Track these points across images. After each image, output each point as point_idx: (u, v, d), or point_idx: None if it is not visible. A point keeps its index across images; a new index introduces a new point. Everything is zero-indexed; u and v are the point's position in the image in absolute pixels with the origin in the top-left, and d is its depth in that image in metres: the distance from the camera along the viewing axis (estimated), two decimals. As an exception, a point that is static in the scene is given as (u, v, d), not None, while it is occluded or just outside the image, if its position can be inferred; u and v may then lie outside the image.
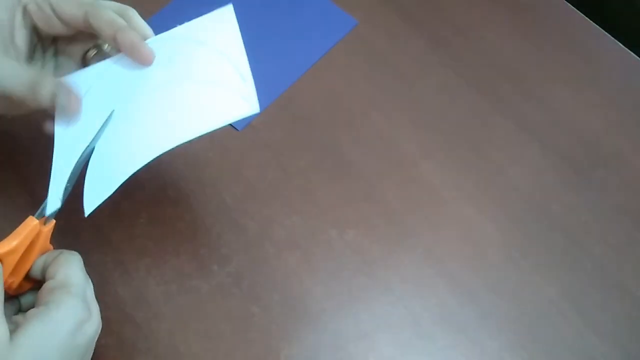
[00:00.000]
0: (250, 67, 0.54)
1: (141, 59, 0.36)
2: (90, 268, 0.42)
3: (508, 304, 0.44)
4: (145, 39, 0.37)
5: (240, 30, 0.56)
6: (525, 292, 0.45)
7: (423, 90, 0.54)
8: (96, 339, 0.35)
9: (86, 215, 0.35)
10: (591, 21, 0.60)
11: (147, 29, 0.38)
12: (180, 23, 0.55)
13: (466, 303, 0.44)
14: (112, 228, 0.45)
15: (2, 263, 0.33)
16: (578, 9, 0.60)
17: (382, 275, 0.45)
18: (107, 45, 0.40)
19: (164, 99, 0.37)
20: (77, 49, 0.40)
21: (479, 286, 0.45)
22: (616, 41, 0.58)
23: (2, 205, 0.46)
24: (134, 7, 0.56)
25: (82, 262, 0.36)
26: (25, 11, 0.37)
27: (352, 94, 0.54)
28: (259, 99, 0.55)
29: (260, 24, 0.56)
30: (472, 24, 0.59)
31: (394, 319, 0.43)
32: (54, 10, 0.36)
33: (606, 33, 0.59)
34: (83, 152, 0.37)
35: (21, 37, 0.37)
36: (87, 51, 0.41)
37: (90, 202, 0.36)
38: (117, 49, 0.36)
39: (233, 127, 0.51)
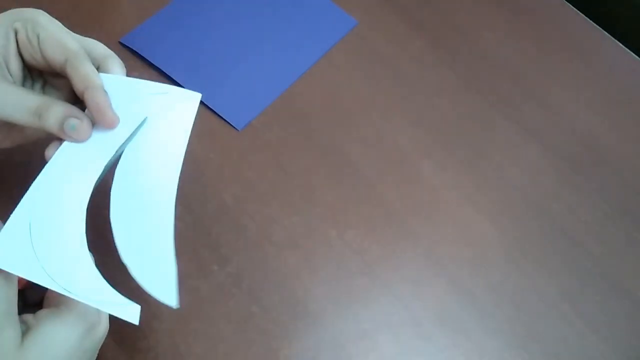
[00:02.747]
0: (251, 66, 0.55)
1: (104, 123, 0.35)
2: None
3: (508, 304, 0.44)
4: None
5: (241, 30, 0.56)
6: (525, 292, 0.45)
7: (423, 90, 0.54)
8: (102, 342, 0.35)
9: (176, 305, 0.33)
10: (591, 21, 0.60)
11: (98, 80, 0.36)
12: (178, 26, 0.55)
13: (466, 303, 0.44)
14: (112, 229, 0.45)
15: None
16: (578, 9, 0.60)
17: (382, 275, 0.45)
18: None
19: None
20: (66, 83, 0.38)
21: (479, 286, 0.45)
22: (616, 41, 0.59)
23: (2, 204, 0.46)
24: (133, 8, 0.57)
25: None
26: (16, 39, 0.36)
27: (352, 94, 0.54)
28: (258, 99, 0.56)
29: (260, 24, 0.56)
30: (472, 24, 0.59)
31: (394, 318, 0.43)
32: (39, 47, 0.35)
33: (606, 33, 0.59)
34: (113, 155, 0.36)
35: (15, 65, 0.36)
36: None
37: (166, 290, 0.33)
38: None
39: (233, 127, 0.51)
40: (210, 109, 0.51)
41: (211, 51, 0.54)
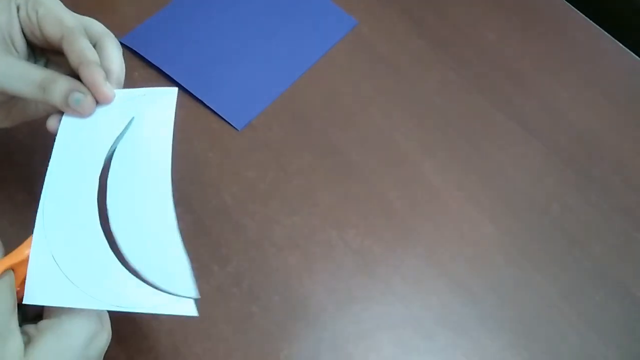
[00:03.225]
0: (251, 66, 0.55)
1: (99, 97, 0.35)
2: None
3: (508, 303, 0.44)
4: (112, 73, 0.36)
5: (241, 30, 0.56)
6: (526, 292, 0.45)
7: (423, 90, 0.54)
8: (105, 350, 0.34)
9: (196, 296, 0.32)
10: (591, 21, 0.60)
11: (115, 62, 0.37)
12: (178, 25, 0.55)
13: (467, 303, 0.44)
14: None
15: (14, 273, 0.32)
16: (578, 9, 0.60)
17: (383, 275, 0.45)
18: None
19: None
20: (67, 60, 0.39)
21: (480, 286, 0.45)
22: (616, 41, 0.59)
23: (1, 204, 0.46)
24: (133, 8, 0.57)
25: None
26: (17, 16, 0.37)
27: (352, 93, 0.54)
28: (258, 98, 0.56)
29: (260, 24, 0.56)
30: (473, 23, 0.59)
31: (395, 318, 0.43)
32: (38, 24, 0.36)
33: (606, 33, 0.59)
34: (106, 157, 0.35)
35: (20, 42, 0.37)
36: None
37: (184, 283, 0.33)
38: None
39: (233, 127, 0.51)
40: (210, 109, 0.51)
41: (211, 51, 0.54)
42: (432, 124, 0.52)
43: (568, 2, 0.61)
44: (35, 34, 0.36)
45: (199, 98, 0.51)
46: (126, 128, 0.37)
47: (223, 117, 0.51)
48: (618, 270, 0.46)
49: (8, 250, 0.33)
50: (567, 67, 0.57)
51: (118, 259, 0.33)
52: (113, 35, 0.39)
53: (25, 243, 0.34)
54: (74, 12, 0.38)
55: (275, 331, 0.42)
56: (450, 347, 0.43)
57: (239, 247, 0.45)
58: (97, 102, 0.36)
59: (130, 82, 0.51)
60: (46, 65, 0.40)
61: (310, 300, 0.44)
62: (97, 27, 0.38)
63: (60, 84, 0.34)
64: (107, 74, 0.36)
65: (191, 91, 0.51)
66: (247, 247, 0.45)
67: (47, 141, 0.37)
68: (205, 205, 0.47)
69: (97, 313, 0.33)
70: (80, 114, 0.35)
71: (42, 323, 0.32)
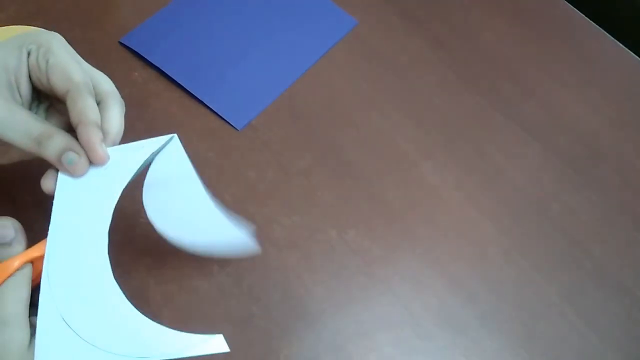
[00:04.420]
0: (251, 66, 0.55)
1: (94, 159, 0.35)
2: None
3: (508, 304, 0.44)
4: (109, 135, 0.36)
5: (241, 30, 0.56)
6: (525, 292, 0.45)
7: (423, 90, 0.54)
8: None
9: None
10: (591, 21, 0.60)
11: (114, 125, 0.37)
12: (178, 25, 0.55)
13: (466, 303, 0.44)
14: (112, 228, 0.45)
15: (32, 266, 0.33)
16: (578, 9, 0.60)
17: (382, 275, 0.45)
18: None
19: None
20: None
21: (479, 286, 0.45)
22: (616, 41, 0.59)
23: (3, 205, 0.46)
24: (133, 8, 0.57)
25: None
26: (27, 60, 0.36)
27: (352, 93, 0.54)
28: (258, 98, 0.56)
29: (260, 24, 0.56)
30: (472, 24, 0.59)
31: (394, 318, 0.43)
32: (47, 73, 0.36)
33: (606, 33, 0.59)
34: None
35: (25, 87, 0.37)
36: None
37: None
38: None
39: (233, 127, 0.51)
40: (210, 109, 0.51)
41: (211, 51, 0.54)
42: (431, 124, 0.52)
43: (568, 2, 0.61)
44: (42, 81, 0.36)
45: (199, 98, 0.51)
46: (135, 175, 0.37)
47: (223, 117, 0.51)
48: (618, 270, 0.46)
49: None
50: (567, 67, 0.57)
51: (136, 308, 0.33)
52: (119, 95, 0.38)
53: (44, 240, 0.34)
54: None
55: (275, 331, 0.42)
56: (450, 347, 0.43)
57: (239, 247, 0.45)
58: (91, 163, 0.35)
59: (129, 82, 0.52)
60: (48, 110, 0.40)
61: (310, 301, 0.44)
62: (105, 85, 0.38)
63: (56, 141, 0.34)
64: (105, 135, 0.36)
65: (191, 91, 0.51)
66: (247, 247, 0.45)
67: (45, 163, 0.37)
68: (205, 205, 0.47)
69: None
70: (72, 174, 0.35)
71: None
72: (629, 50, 0.58)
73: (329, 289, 0.44)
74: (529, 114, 0.53)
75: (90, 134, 0.34)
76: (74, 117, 0.35)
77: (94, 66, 0.41)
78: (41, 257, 0.33)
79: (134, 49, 0.53)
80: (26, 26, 0.54)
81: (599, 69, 0.57)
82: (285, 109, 0.52)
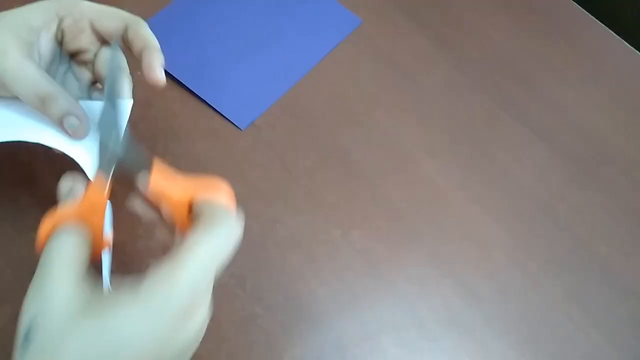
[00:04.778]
0: (254, 66, 0.54)
1: (152, 79, 0.37)
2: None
3: (513, 304, 0.44)
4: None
5: (244, 29, 0.56)
6: (531, 293, 0.45)
7: (428, 89, 0.54)
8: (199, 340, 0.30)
9: None
10: (597, 20, 0.59)
11: (155, 42, 0.39)
12: (180, 25, 0.55)
13: (471, 303, 0.44)
14: (114, 229, 0.45)
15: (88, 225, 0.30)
16: (584, 9, 0.60)
17: (387, 276, 0.45)
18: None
19: None
20: (86, 75, 0.42)
21: (485, 287, 0.45)
22: (623, 41, 0.58)
23: (4, 205, 0.45)
24: (134, 7, 0.56)
25: None
26: (59, 25, 0.38)
27: (356, 93, 0.53)
28: (262, 98, 0.55)
29: (264, 23, 0.56)
30: (478, 23, 0.58)
31: (399, 319, 0.43)
32: (92, 25, 0.38)
33: (612, 33, 0.59)
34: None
35: (47, 48, 0.38)
36: (95, 82, 0.42)
37: None
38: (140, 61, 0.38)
39: (236, 126, 0.50)
40: (213, 109, 0.51)
41: (214, 50, 0.54)
42: (436, 124, 0.52)
43: (575, 1, 0.60)
44: (80, 36, 0.38)
45: (202, 97, 0.51)
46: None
47: (226, 116, 0.51)
48: (624, 271, 0.46)
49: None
50: (573, 66, 0.56)
51: None
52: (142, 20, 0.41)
53: (90, 189, 0.31)
54: None
55: (279, 332, 0.42)
56: (455, 348, 0.42)
57: (243, 248, 0.45)
58: (151, 83, 0.38)
59: (132, 81, 0.51)
60: (65, 74, 0.42)
61: (314, 301, 0.43)
62: (125, 15, 0.40)
63: (60, 104, 0.36)
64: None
65: (194, 90, 0.51)
66: (251, 248, 0.45)
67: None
68: (208, 205, 0.47)
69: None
70: (71, 136, 0.37)
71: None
72: (636, 50, 0.58)
73: (333, 290, 0.44)
74: (535, 114, 0.53)
75: (155, 58, 0.37)
76: (139, 44, 0.37)
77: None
78: (96, 210, 0.30)
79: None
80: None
81: (606, 68, 0.56)
82: (289, 108, 0.52)
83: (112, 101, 0.34)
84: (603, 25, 0.59)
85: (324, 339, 0.42)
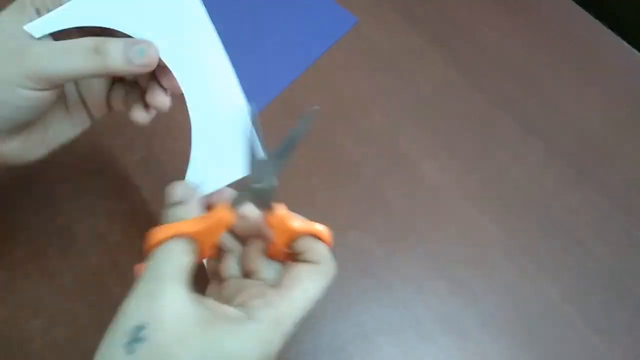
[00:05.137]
0: (250, 64, 0.54)
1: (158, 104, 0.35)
2: (88, 270, 0.41)
3: (509, 304, 0.44)
4: None
5: (240, 28, 0.56)
6: (527, 293, 0.45)
7: (424, 88, 0.54)
8: None
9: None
10: (595, 19, 0.59)
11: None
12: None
13: (467, 304, 0.44)
14: (110, 229, 0.45)
15: (196, 241, 0.30)
16: (581, 7, 0.60)
17: (383, 276, 0.45)
18: None
19: None
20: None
21: (481, 287, 0.45)
22: (620, 39, 0.58)
23: (3, 208, 0.45)
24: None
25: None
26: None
27: (352, 91, 0.53)
28: (257, 97, 0.55)
29: (260, 21, 0.56)
30: (474, 22, 0.58)
31: (395, 320, 0.43)
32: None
33: (610, 31, 0.59)
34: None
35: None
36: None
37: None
38: None
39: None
40: (209, 108, 0.51)
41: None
42: (432, 122, 0.52)
43: (572, 0, 0.60)
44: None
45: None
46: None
47: (222, 116, 0.50)
48: (619, 270, 0.46)
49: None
50: (569, 65, 0.56)
51: None
52: None
53: (217, 209, 0.31)
54: None
55: (275, 333, 0.42)
56: (451, 348, 0.42)
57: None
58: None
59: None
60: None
61: (310, 302, 0.43)
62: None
63: (115, 42, 0.31)
64: None
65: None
66: (247, 248, 0.45)
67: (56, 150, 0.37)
68: (204, 205, 0.46)
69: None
70: (146, 65, 0.32)
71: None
72: (633, 49, 0.58)
73: (329, 290, 0.44)
74: (532, 113, 0.53)
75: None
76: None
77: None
78: (211, 230, 0.31)
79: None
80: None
81: (603, 67, 0.56)
82: (285, 107, 0.52)
83: (279, 158, 0.35)
84: (601, 23, 0.59)
85: (320, 340, 0.42)
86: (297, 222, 0.33)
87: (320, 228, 0.33)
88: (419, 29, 0.57)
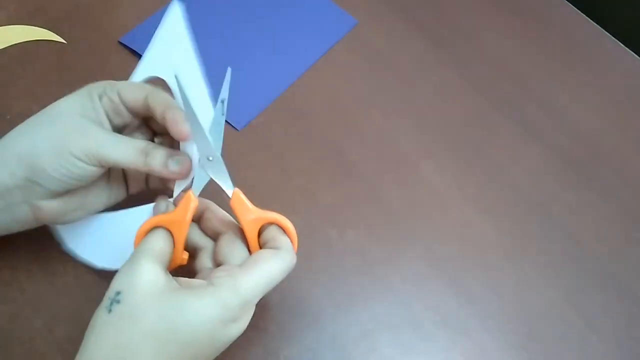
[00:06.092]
0: (250, 66, 0.54)
1: (180, 134, 0.38)
2: (88, 269, 0.42)
3: (508, 304, 0.44)
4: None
5: (240, 30, 0.56)
6: (526, 293, 0.45)
7: (423, 90, 0.54)
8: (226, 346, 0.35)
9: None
10: (592, 22, 0.59)
11: (174, 102, 0.40)
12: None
13: (466, 303, 0.44)
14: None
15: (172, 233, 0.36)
16: (578, 9, 0.60)
17: (383, 275, 0.45)
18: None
19: None
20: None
21: (480, 286, 0.45)
22: (617, 42, 0.58)
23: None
24: (133, 8, 0.57)
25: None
26: (100, 102, 0.39)
27: (352, 93, 0.53)
28: (258, 98, 0.55)
29: (260, 23, 0.56)
30: (473, 24, 0.59)
31: (394, 319, 0.43)
32: (120, 97, 0.38)
33: (607, 33, 0.59)
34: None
35: (107, 125, 0.39)
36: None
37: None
38: (164, 124, 0.38)
39: (232, 126, 0.51)
40: (210, 109, 0.51)
41: (210, 50, 0.54)
42: (432, 124, 0.52)
43: (569, 2, 0.61)
44: (119, 111, 0.39)
45: (199, 98, 0.51)
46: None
47: (223, 117, 0.51)
48: (618, 271, 0.46)
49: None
50: (568, 67, 0.56)
51: None
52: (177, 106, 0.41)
53: (182, 203, 0.37)
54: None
55: (275, 331, 0.42)
56: (450, 347, 0.42)
57: (239, 247, 0.45)
58: (178, 136, 0.38)
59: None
60: None
61: (310, 301, 0.43)
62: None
63: (161, 150, 0.38)
64: None
65: (191, 91, 0.51)
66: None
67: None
68: (205, 205, 0.47)
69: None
70: (179, 173, 0.38)
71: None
72: (630, 51, 0.58)
73: (329, 289, 0.44)
74: (530, 115, 0.53)
75: (177, 113, 0.37)
76: (160, 106, 0.38)
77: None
78: (181, 223, 0.36)
79: (133, 48, 0.53)
80: (27, 26, 0.54)
81: (600, 69, 0.57)
82: (285, 109, 0.52)
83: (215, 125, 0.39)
84: (598, 26, 0.59)
85: (320, 338, 0.42)
86: (254, 214, 0.38)
87: (279, 217, 0.38)
88: (418, 32, 0.57)
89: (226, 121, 0.51)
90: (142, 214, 0.40)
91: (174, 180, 0.40)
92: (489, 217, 0.48)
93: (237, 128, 0.50)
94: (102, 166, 0.37)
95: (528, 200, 0.49)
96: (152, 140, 0.42)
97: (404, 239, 0.46)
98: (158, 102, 0.38)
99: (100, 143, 0.36)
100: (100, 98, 0.38)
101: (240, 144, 0.50)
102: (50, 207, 0.37)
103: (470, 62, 0.56)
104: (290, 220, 0.47)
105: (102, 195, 0.41)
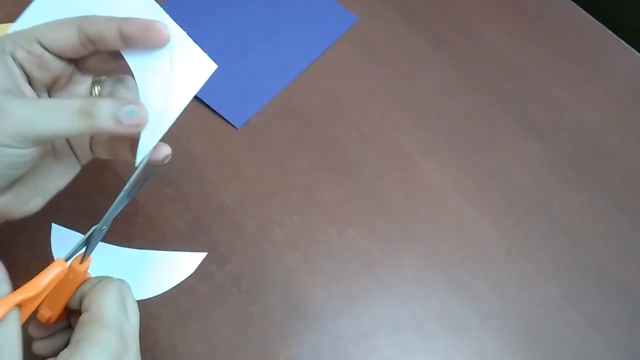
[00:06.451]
0: (250, 64, 0.54)
1: (158, 39, 0.32)
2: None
3: (509, 304, 0.44)
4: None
5: (240, 27, 0.56)
6: (527, 292, 0.45)
7: (424, 88, 0.54)
8: None
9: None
10: (595, 19, 0.59)
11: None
12: (177, 23, 0.55)
13: (467, 303, 0.44)
14: (110, 228, 0.45)
15: (20, 309, 0.29)
16: (581, 7, 0.60)
17: (383, 275, 0.45)
18: (104, 77, 0.36)
19: None
20: (78, 93, 0.35)
21: (480, 286, 0.45)
22: (619, 39, 0.58)
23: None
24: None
25: (122, 290, 0.32)
26: (15, 60, 0.31)
27: (352, 91, 0.53)
28: (257, 96, 0.55)
29: (260, 21, 0.56)
30: (474, 21, 0.58)
31: (395, 319, 0.43)
32: (43, 45, 0.31)
33: (609, 31, 0.59)
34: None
35: (27, 89, 0.32)
36: (91, 92, 0.35)
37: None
38: (126, 43, 0.31)
39: (232, 125, 0.50)
40: (209, 107, 0.51)
41: (209, 48, 0.54)
42: (432, 122, 0.52)
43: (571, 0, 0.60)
44: (43, 62, 0.31)
45: (197, 96, 0.51)
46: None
47: (222, 115, 0.50)
48: (619, 270, 0.46)
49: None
50: (569, 65, 0.56)
51: None
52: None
53: (38, 276, 0.31)
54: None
55: (275, 332, 0.42)
56: (450, 347, 0.42)
57: (238, 247, 0.45)
58: (154, 43, 0.32)
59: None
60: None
61: (310, 301, 0.43)
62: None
63: (105, 103, 0.30)
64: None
65: (190, 89, 0.51)
66: (247, 247, 0.45)
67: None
68: (204, 204, 0.46)
69: (121, 335, 0.30)
70: (137, 126, 0.31)
71: (62, 354, 0.29)
72: (632, 49, 0.58)
73: (329, 290, 0.44)
74: (531, 113, 0.53)
75: (139, 22, 0.31)
76: (107, 30, 0.31)
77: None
78: (33, 298, 0.30)
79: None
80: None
81: (602, 67, 0.56)
82: (285, 107, 0.52)
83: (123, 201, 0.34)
84: (600, 23, 0.59)
85: (320, 339, 0.42)
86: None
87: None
88: (419, 29, 0.57)
89: (225, 119, 0.51)
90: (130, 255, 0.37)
91: (129, 140, 0.33)
92: (490, 217, 0.48)
93: (237, 126, 0.50)
94: (38, 144, 0.30)
95: (529, 199, 0.49)
96: (97, 81, 0.35)
97: (405, 239, 0.46)
98: (100, 25, 0.30)
99: (25, 119, 0.29)
100: (13, 56, 0.30)
101: (239, 143, 0.50)
102: (1, 204, 0.32)
103: (471, 60, 0.56)
104: (290, 219, 0.47)
105: (54, 173, 0.35)
